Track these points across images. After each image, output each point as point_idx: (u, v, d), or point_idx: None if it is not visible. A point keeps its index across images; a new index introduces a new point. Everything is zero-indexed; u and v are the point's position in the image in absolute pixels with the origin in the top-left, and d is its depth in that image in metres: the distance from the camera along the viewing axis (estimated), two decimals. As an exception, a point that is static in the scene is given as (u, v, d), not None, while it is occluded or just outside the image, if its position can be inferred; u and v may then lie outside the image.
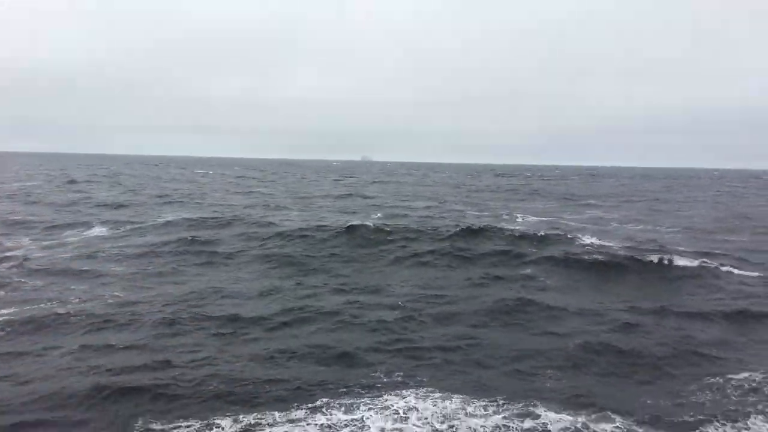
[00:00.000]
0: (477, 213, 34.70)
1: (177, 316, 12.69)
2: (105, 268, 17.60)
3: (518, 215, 33.30)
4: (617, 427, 8.12)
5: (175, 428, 7.97)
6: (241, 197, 44.86)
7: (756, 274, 17.19)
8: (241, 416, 8.31)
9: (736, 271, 17.31)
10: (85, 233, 24.57)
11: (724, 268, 17.34)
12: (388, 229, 23.65)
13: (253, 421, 8.18)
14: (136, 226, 26.25)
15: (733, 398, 9.12)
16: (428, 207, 36.97)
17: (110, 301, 13.96)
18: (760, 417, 8.47)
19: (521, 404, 8.68)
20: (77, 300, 14.04)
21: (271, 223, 25.82)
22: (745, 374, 9.96)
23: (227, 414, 8.38)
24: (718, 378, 9.85)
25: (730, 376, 9.93)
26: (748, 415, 8.49)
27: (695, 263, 17.24)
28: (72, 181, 57.41)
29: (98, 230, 25.32)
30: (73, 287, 15.32)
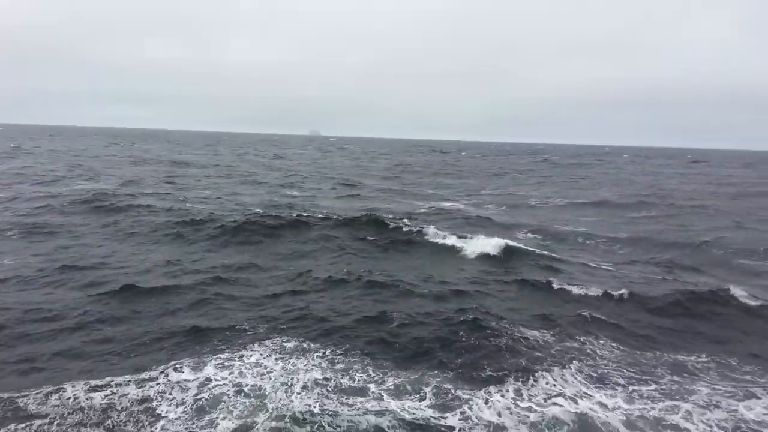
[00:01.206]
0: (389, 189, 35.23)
1: (43, 283, 12.85)
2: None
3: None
4: (435, 386, 8.71)
5: (23, 396, 8.05)
6: (140, 171, 43.72)
7: (564, 254, 17.99)
8: (92, 380, 8.60)
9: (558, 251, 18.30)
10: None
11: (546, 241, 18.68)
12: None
13: (102, 383, 8.52)
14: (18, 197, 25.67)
15: (523, 357, 9.84)
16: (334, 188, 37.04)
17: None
18: (550, 372, 9.30)
19: (353, 359, 9.63)
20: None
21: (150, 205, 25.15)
22: (536, 334, 10.90)
23: (80, 378, 8.63)
24: (508, 340, 10.46)
25: (519, 336, 10.73)
26: (536, 371, 9.26)
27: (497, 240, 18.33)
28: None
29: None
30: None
